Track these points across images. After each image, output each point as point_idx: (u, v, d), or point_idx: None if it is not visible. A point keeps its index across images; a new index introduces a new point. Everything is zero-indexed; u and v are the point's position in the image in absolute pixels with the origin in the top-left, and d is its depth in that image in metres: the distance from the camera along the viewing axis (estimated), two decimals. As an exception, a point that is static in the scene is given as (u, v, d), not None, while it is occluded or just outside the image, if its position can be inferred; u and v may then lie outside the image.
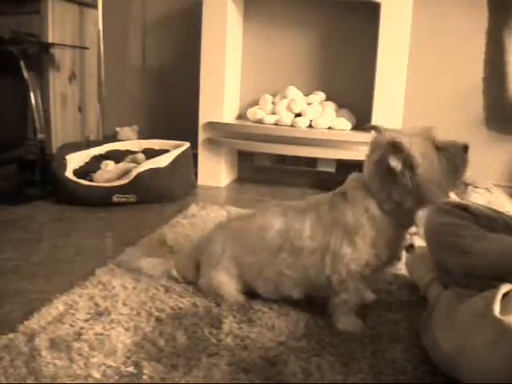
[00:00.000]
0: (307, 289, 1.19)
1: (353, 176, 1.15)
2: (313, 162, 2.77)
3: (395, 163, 1.01)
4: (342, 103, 2.58)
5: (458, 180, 1.05)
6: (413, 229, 1.13)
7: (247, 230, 1.23)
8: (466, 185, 2.30)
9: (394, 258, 1.15)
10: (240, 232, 1.25)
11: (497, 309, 0.84)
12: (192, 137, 2.55)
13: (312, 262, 1.14)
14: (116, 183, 2.11)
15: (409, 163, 1.01)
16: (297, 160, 2.79)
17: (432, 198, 1.04)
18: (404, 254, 1.23)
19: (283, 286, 1.19)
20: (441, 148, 1.03)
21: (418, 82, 2.54)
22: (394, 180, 1.03)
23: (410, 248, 1.15)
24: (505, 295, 0.87)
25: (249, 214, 1.31)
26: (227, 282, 1.24)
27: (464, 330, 0.88)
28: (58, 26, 2.59)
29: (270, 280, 1.20)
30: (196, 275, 1.31)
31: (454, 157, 1.03)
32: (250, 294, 1.26)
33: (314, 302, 1.23)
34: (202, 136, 2.57)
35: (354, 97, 2.58)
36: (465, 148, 1.04)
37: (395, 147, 1.01)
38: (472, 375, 0.85)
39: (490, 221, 1.19)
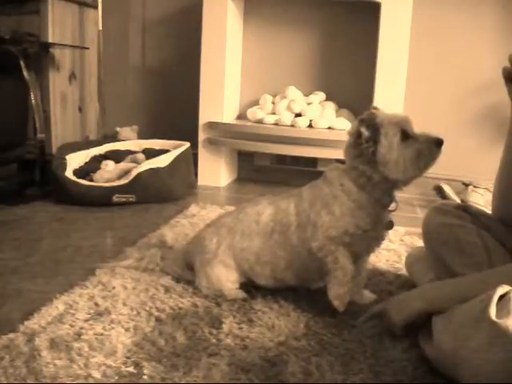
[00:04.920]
0: (300, 271, 1.24)
1: (334, 163, 1.23)
2: (313, 161, 2.77)
3: (363, 129, 1.10)
4: (341, 103, 2.58)
5: (421, 169, 1.11)
6: (392, 206, 1.18)
7: (241, 219, 1.28)
8: (466, 185, 2.30)
9: (377, 235, 1.20)
10: (234, 222, 1.29)
11: (493, 312, 0.84)
12: (192, 137, 2.55)
13: (298, 236, 1.20)
14: (116, 183, 2.11)
15: (373, 137, 1.09)
16: (297, 160, 2.79)
17: (390, 176, 1.11)
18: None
19: (278, 268, 1.24)
20: (410, 136, 1.10)
21: (418, 81, 2.53)
22: (361, 150, 1.11)
23: (390, 225, 1.20)
24: (501, 298, 0.87)
25: (238, 208, 1.36)
26: (226, 275, 1.26)
27: (461, 331, 0.88)
28: (57, 26, 2.59)
29: (267, 264, 1.24)
30: (191, 276, 1.33)
31: (421, 146, 1.09)
32: (250, 293, 1.27)
33: (313, 302, 1.24)
34: (201, 136, 2.57)
35: (354, 97, 2.58)
36: (437, 142, 1.10)
37: (367, 118, 1.11)
38: (469, 376, 0.85)
39: (489, 221, 1.19)
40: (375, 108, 1.19)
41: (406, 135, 1.10)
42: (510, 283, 0.88)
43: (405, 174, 1.11)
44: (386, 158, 1.09)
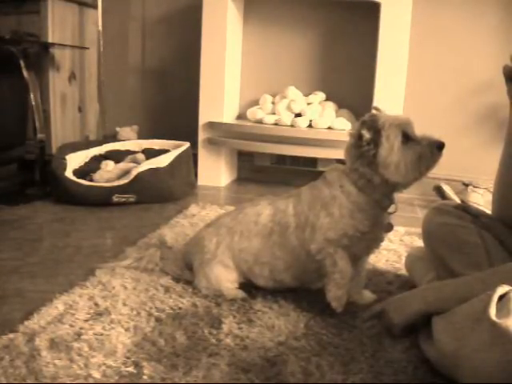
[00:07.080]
0: (299, 272, 1.24)
1: (334, 164, 1.23)
2: (313, 161, 2.77)
3: (365, 131, 1.09)
4: (341, 103, 2.59)
5: (421, 172, 1.11)
6: (392, 208, 1.18)
7: (240, 219, 1.29)
8: (466, 185, 2.30)
9: (376, 237, 1.20)
10: (233, 222, 1.29)
11: (493, 312, 0.84)
12: (192, 137, 2.55)
13: (296, 237, 1.20)
14: (116, 183, 2.11)
15: (375, 139, 1.09)
16: (297, 160, 2.79)
17: (390, 178, 1.11)
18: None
19: (277, 269, 1.24)
20: (412, 139, 1.10)
21: (418, 81, 2.54)
22: (361, 152, 1.11)
23: (389, 227, 1.20)
24: (501, 298, 0.87)
25: (237, 208, 1.36)
26: (225, 275, 1.26)
27: (461, 331, 0.88)
28: (57, 26, 2.60)
29: (265, 264, 1.24)
30: (190, 276, 1.33)
31: (422, 149, 1.09)
32: (250, 293, 1.26)
33: (313, 302, 1.24)
34: (201, 136, 2.57)
35: (354, 97, 2.58)
36: (439, 145, 1.10)
37: (368, 120, 1.10)
38: (469, 377, 0.85)
39: (489, 221, 1.19)
40: (376, 108, 1.19)
41: (408, 138, 1.10)
42: (510, 283, 0.88)
43: (405, 176, 1.11)
44: (386, 161, 1.09)
